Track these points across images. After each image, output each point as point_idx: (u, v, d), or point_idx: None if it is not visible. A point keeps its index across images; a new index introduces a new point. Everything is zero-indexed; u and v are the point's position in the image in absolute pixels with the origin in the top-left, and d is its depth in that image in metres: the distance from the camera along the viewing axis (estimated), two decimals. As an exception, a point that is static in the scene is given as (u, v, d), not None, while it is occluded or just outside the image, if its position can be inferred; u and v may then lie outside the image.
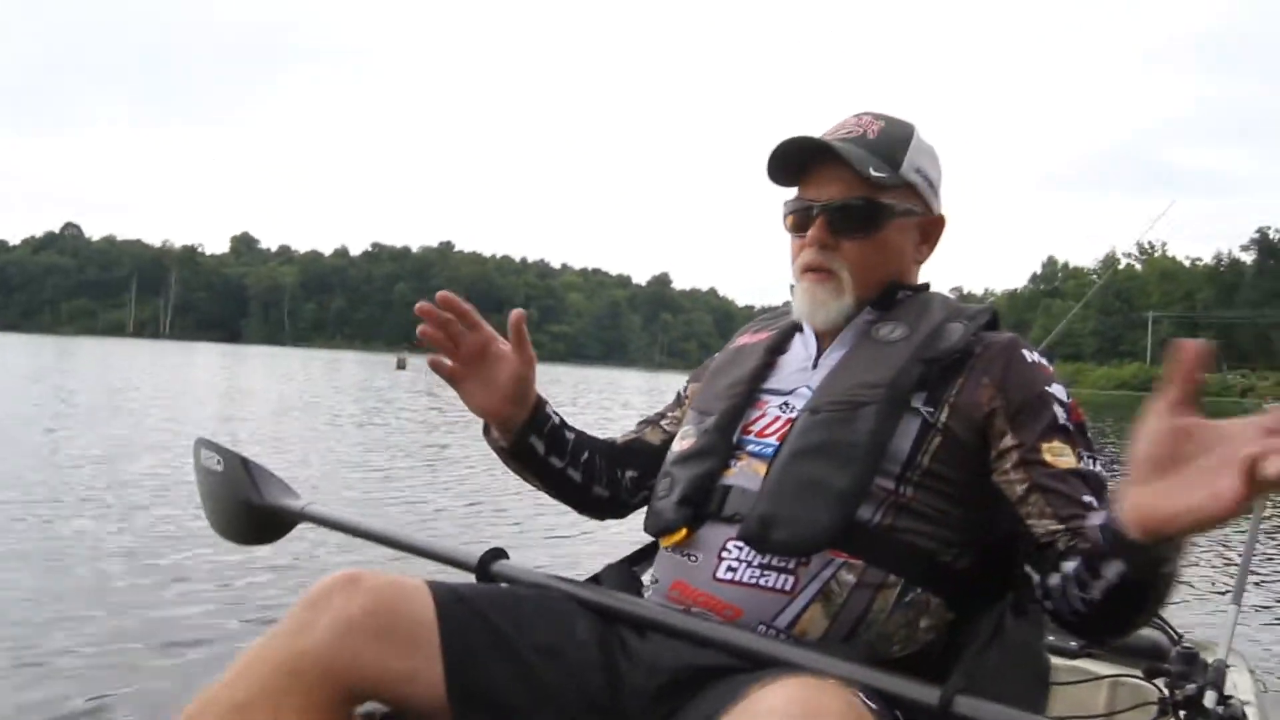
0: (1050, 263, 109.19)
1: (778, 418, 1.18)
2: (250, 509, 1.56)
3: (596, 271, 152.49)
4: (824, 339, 1.25)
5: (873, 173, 1.19)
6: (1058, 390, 1.13)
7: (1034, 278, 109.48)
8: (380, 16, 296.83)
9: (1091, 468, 1.09)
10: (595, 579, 1.25)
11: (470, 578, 1.24)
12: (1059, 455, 1.08)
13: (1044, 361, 1.17)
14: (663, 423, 1.42)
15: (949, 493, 1.10)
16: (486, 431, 1.31)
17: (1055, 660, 1.82)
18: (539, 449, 1.29)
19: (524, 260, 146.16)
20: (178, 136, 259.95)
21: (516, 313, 1.17)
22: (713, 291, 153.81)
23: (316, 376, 29.16)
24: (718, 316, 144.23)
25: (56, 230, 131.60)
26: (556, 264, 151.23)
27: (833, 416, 1.12)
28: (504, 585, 1.19)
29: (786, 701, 0.79)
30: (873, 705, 0.89)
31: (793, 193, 1.26)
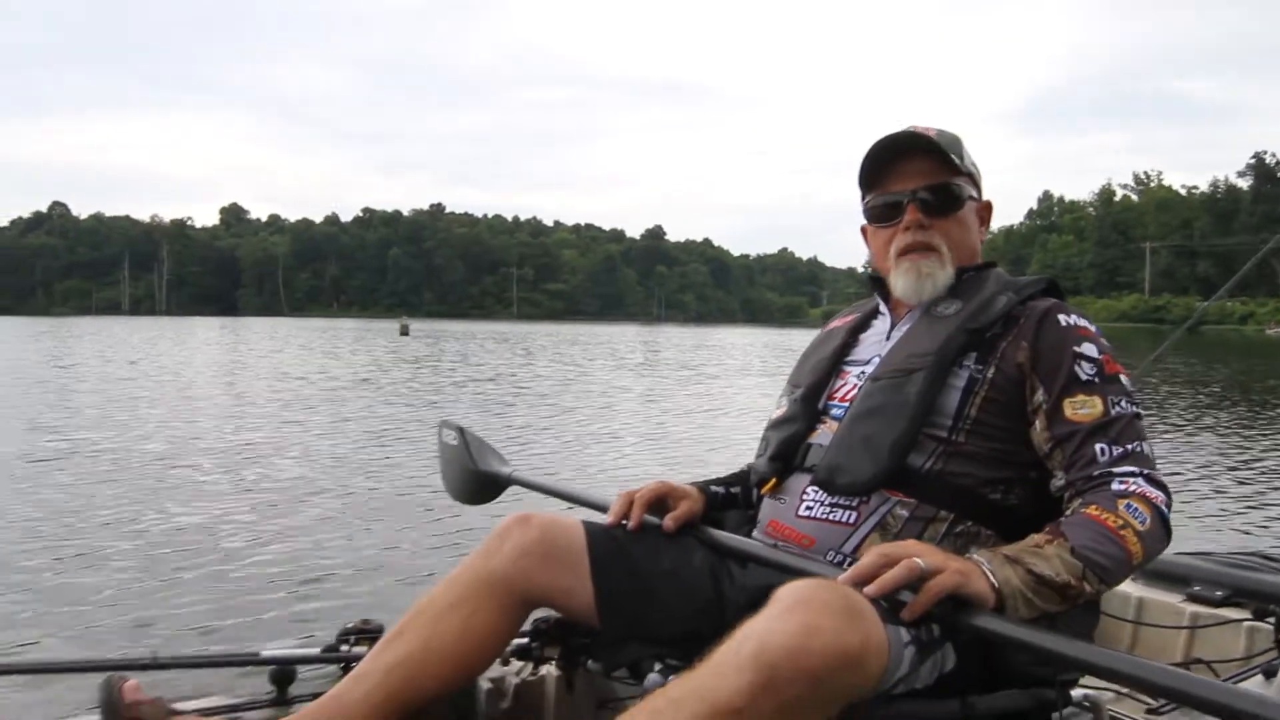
0: (1046, 198, 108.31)
1: (855, 385, 1.40)
2: (475, 475, 1.91)
3: (589, 227, 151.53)
4: (898, 314, 1.45)
5: (956, 159, 1.40)
6: (1088, 348, 1.29)
7: (1030, 213, 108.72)
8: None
9: (1122, 411, 1.24)
10: (719, 521, 1.51)
11: None
12: (1081, 408, 1.24)
13: (1082, 323, 1.32)
14: None
15: (996, 439, 1.28)
16: None
17: (1197, 609, 2.00)
18: (719, 515, 1.52)
19: (516, 219, 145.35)
20: (159, 110, 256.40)
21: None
22: (707, 242, 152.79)
23: (339, 349, 29.04)
24: (714, 266, 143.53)
25: (44, 210, 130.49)
26: (549, 221, 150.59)
27: (889, 383, 1.34)
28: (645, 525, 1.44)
29: (787, 593, 0.99)
30: (884, 604, 1.03)
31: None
